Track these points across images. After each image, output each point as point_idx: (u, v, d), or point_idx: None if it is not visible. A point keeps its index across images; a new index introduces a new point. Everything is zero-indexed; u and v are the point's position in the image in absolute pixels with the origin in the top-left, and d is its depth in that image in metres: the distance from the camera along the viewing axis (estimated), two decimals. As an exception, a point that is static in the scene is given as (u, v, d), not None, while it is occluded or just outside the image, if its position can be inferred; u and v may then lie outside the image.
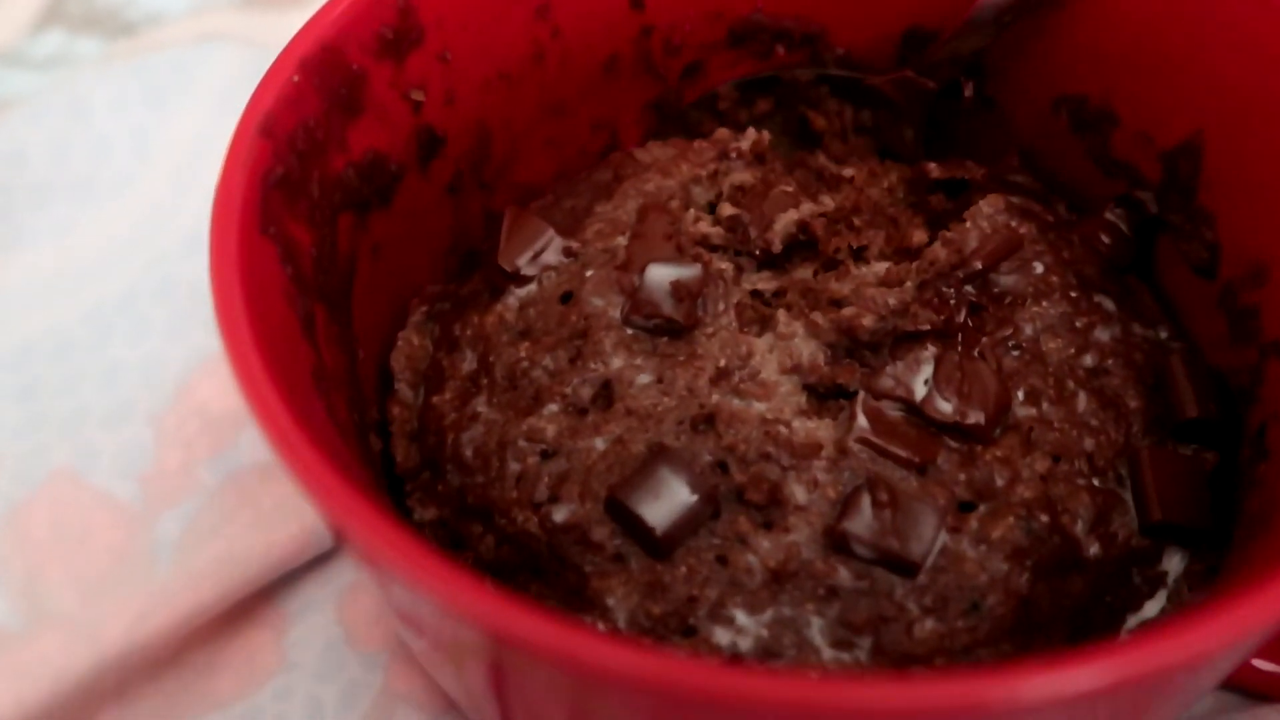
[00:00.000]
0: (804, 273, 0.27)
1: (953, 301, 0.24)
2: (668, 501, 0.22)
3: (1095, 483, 0.23)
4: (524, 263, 0.26)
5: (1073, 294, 0.25)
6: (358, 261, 0.25)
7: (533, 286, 0.26)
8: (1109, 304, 0.26)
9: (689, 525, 0.23)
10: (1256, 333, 0.24)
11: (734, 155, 0.29)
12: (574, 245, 0.26)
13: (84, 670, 0.26)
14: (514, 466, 0.24)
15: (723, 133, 0.29)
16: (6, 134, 0.36)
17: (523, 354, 0.25)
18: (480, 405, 0.25)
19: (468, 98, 0.28)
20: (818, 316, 0.25)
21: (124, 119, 0.36)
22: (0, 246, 0.34)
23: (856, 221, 0.27)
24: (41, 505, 0.30)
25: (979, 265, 0.25)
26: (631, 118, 0.32)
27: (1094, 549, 0.23)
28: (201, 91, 0.37)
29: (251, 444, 0.30)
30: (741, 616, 0.22)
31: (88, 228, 0.35)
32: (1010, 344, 0.25)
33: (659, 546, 0.22)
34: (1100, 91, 0.27)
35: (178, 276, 0.34)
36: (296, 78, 0.23)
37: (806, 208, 0.27)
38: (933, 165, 0.28)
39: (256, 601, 0.28)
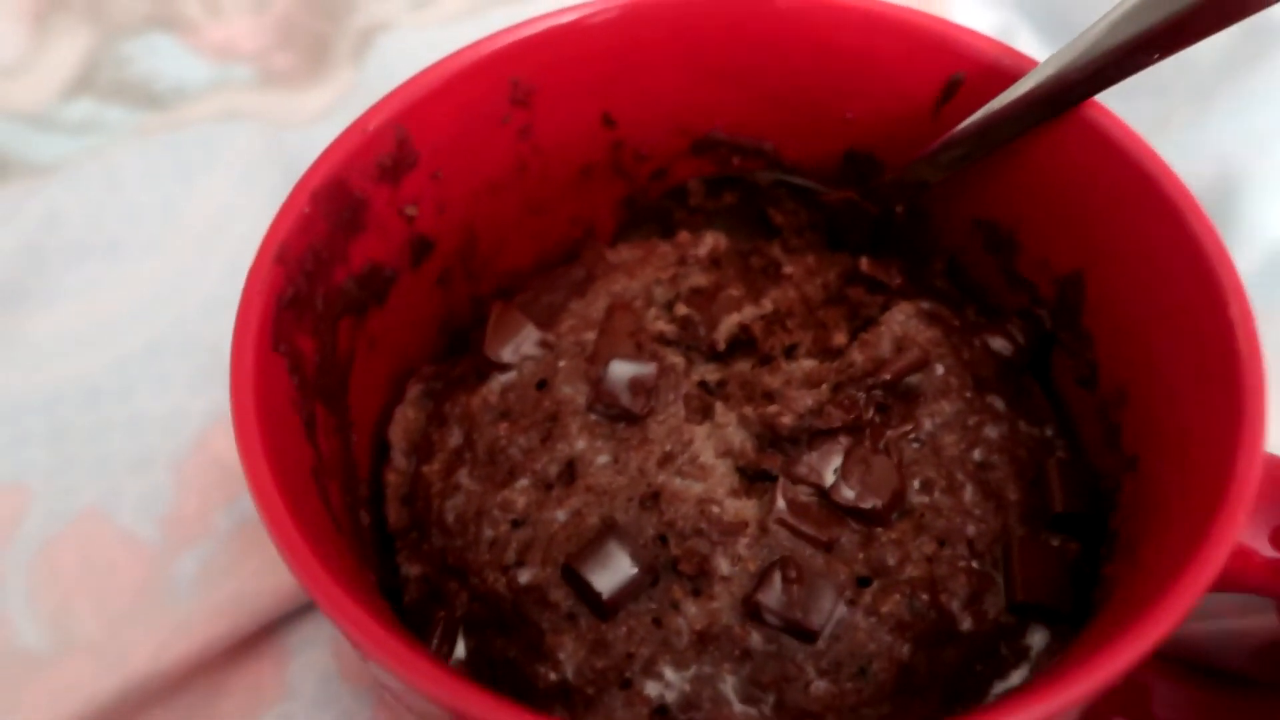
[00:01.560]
0: (744, 366, 0.31)
1: (862, 402, 0.28)
2: (614, 572, 0.27)
3: (974, 565, 0.27)
4: (506, 353, 0.31)
5: (968, 394, 0.29)
6: (355, 357, 0.30)
7: (513, 373, 0.30)
8: (1000, 404, 0.30)
9: (631, 592, 0.27)
10: (1120, 447, 0.28)
11: (692, 261, 0.33)
12: (550, 338, 0.31)
13: (110, 694, 0.30)
14: (488, 533, 0.28)
15: (684, 237, 0.34)
16: (46, 198, 0.40)
17: (501, 433, 0.29)
18: (463, 477, 0.29)
19: (457, 207, 0.32)
20: (748, 410, 0.29)
21: (154, 189, 0.40)
22: (36, 301, 0.38)
23: (789, 324, 0.32)
24: (71, 541, 0.34)
25: (888, 377, 0.29)
26: (606, 212, 0.36)
27: (967, 624, 0.27)
28: (225, 167, 0.41)
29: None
30: (669, 673, 0.26)
31: (117, 287, 0.39)
32: (911, 437, 0.29)
33: (604, 609, 0.27)
34: (1008, 221, 0.31)
35: (198, 336, 0.38)
36: (307, 209, 0.27)
37: (748, 311, 0.31)
38: (864, 260, 0.32)
39: (261, 636, 0.32)
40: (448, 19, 0.45)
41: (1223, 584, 0.22)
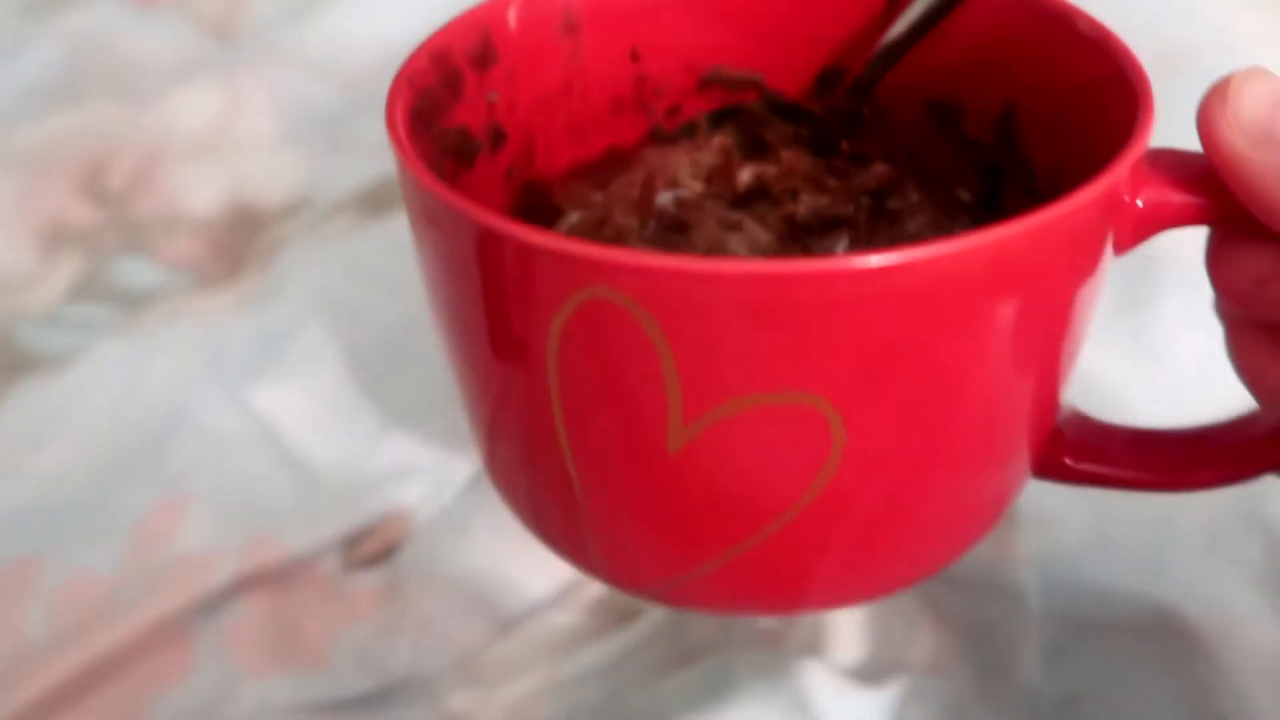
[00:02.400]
0: (760, 207, 0.39)
1: (858, 203, 0.36)
2: None
3: None
4: (570, 203, 0.38)
5: (939, 214, 0.37)
6: (453, 196, 0.37)
7: (577, 216, 0.38)
8: (966, 220, 0.38)
9: None
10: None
11: (705, 148, 0.41)
12: (603, 194, 0.38)
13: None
14: None
15: (699, 138, 0.42)
16: (54, 387, 0.51)
17: None
18: None
19: (522, 109, 0.40)
20: (769, 217, 0.36)
21: (117, 378, 0.51)
22: (45, 451, 0.48)
23: (792, 180, 0.40)
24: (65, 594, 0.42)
25: (874, 185, 0.37)
26: (631, 144, 0.44)
27: None
28: (171, 352, 0.52)
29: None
30: None
31: (82, 442, 0.48)
32: (899, 238, 0.36)
33: None
34: (951, 92, 0.40)
35: (140, 476, 0.47)
36: (425, 63, 0.35)
37: (757, 167, 0.39)
38: (844, 143, 0.41)
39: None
40: (341, 233, 0.58)
41: (1156, 226, 0.30)
